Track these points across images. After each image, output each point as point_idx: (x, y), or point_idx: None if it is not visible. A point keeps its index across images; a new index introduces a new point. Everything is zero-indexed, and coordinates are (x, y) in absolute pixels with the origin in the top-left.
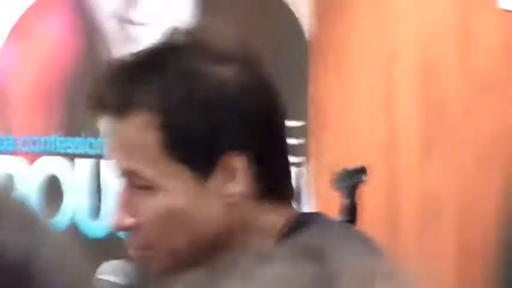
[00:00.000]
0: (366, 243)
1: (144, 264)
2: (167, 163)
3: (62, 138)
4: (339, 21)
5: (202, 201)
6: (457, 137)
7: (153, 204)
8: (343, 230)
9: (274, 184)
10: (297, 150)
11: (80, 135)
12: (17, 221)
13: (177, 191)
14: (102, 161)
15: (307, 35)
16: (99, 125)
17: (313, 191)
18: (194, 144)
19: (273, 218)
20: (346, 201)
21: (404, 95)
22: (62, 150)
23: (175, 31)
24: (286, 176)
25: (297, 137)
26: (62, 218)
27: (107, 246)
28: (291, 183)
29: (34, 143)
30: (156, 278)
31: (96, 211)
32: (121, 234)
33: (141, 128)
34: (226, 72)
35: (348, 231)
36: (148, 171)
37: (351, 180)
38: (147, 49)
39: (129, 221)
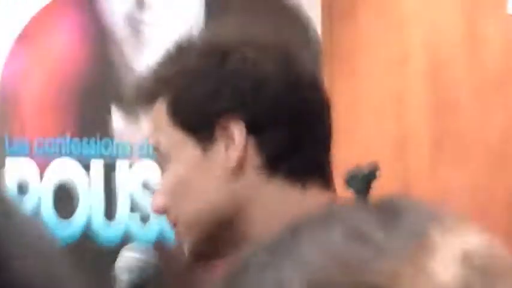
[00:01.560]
0: None
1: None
2: (173, 132)
3: (76, 140)
4: (350, 24)
5: (205, 168)
6: (467, 137)
7: (166, 177)
8: None
9: (280, 158)
10: None
11: (94, 137)
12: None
13: (182, 161)
14: (117, 162)
15: (318, 38)
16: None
17: None
18: (191, 109)
19: (287, 197)
20: (360, 199)
21: (415, 96)
22: (77, 153)
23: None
24: (299, 151)
25: None
26: (76, 220)
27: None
28: (314, 161)
29: (48, 146)
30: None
31: (111, 213)
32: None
33: (156, 104)
34: (228, 47)
35: None
36: (163, 142)
37: (364, 179)
38: (176, 43)
39: (158, 200)
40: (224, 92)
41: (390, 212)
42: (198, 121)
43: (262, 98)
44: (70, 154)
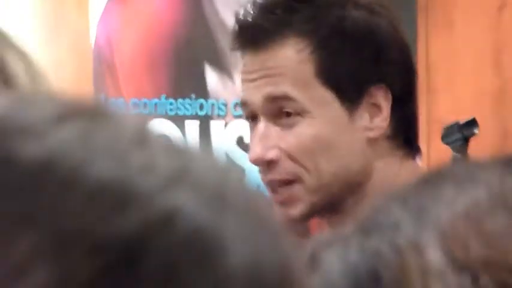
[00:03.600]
0: None
1: (285, 206)
2: (318, 89)
3: (172, 100)
4: None
5: (349, 132)
6: None
7: (300, 132)
8: None
9: (409, 129)
10: None
11: (189, 97)
12: None
13: (325, 120)
14: (212, 122)
15: None
16: (243, 59)
17: (425, 146)
18: (344, 73)
19: (406, 169)
20: (457, 155)
21: None
22: (172, 113)
23: None
24: (416, 125)
25: None
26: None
27: None
28: (417, 135)
29: (144, 106)
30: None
31: None
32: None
33: (295, 53)
34: (374, 9)
35: None
36: (300, 95)
37: (462, 134)
38: None
39: (271, 153)
40: (378, 61)
41: None
42: (350, 85)
43: (407, 73)
44: (165, 115)
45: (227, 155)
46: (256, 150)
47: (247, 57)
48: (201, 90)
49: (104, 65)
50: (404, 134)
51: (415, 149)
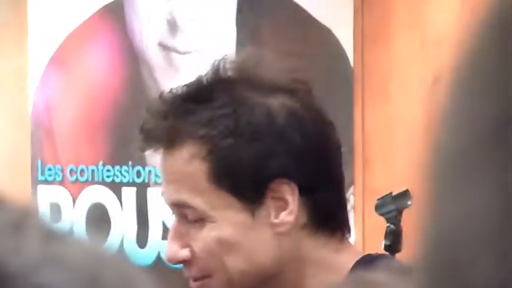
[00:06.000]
0: None
1: None
2: (215, 193)
3: (109, 167)
4: (382, 47)
5: (253, 231)
6: None
7: (205, 236)
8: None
9: (327, 215)
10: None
11: (126, 165)
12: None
13: (226, 222)
14: (149, 189)
15: (351, 61)
16: (148, 155)
17: (360, 216)
18: (241, 173)
19: (329, 252)
20: (391, 226)
21: None
22: (109, 180)
23: (222, 62)
24: (341, 207)
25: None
26: (109, 247)
27: (154, 275)
28: (346, 215)
29: (81, 173)
30: None
31: (143, 239)
32: (169, 264)
33: (188, 159)
34: (273, 102)
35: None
36: (197, 202)
37: (395, 205)
38: (194, 81)
39: (182, 253)
40: (277, 155)
41: None
42: (248, 185)
43: (315, 161)
44: (102, 181)
45: (163, 224)
46: (169, 249)
47: (159, 157)
48: (139, 158)
49: (42, 131)
50: (323, 219)
51: (341, 230)
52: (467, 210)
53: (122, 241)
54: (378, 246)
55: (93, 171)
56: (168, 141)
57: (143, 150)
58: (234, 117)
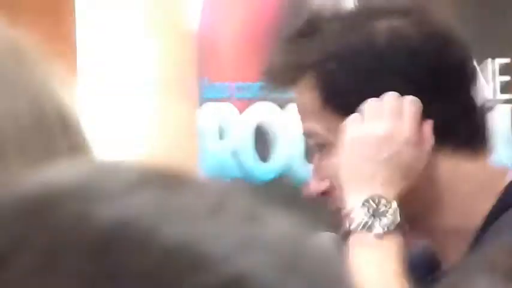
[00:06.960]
0: None
1: None
2: (331, 118)
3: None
4: None
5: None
6: None
7: (330, 162)
8: None
9: (449, 128)
10: (507, 87)
11: None
12: None
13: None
14: None
15: None
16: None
17: None
18: (349, 94)
19: (476, 170)
20: None
21: None
22: (274, 96)
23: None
24: (475, 122)
25: (505, 74)
26: (273, 164)
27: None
28: (484, 132)
29: (247, 89)
30: None
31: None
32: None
33: (305, 89)
34: (377, 25)
35: None
36: (318, 128)
37: None
38: (308, 17)
39: (322, 185)
40: (380, 73)
41: None
42: (357, 105)
43: (423, 74)
44: (269, 97)
45: None
46: (311, 184)
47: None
48: None
49: (207, 50)
50: (451, 132)
51: (480, 147)
52: None
53: (286, 159)
54: None
55: (259, 87)
56: (289, 76)
57: (272, 90)
58: (338, 42)
